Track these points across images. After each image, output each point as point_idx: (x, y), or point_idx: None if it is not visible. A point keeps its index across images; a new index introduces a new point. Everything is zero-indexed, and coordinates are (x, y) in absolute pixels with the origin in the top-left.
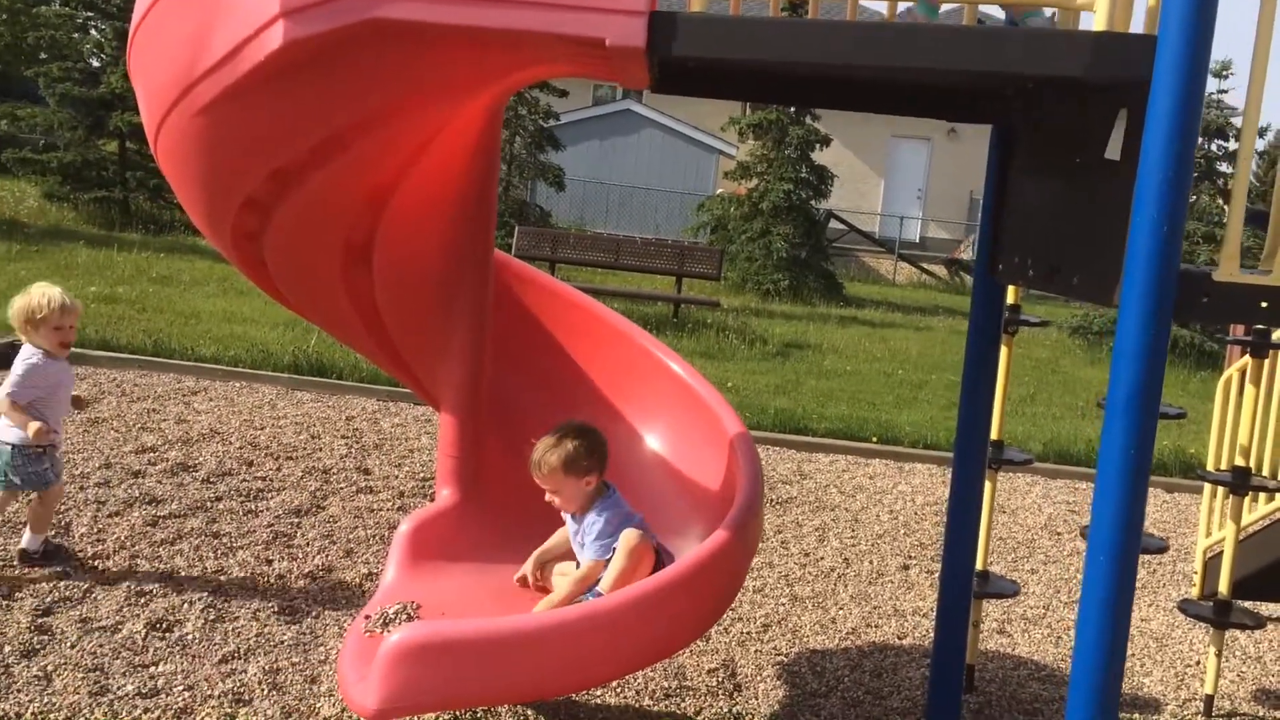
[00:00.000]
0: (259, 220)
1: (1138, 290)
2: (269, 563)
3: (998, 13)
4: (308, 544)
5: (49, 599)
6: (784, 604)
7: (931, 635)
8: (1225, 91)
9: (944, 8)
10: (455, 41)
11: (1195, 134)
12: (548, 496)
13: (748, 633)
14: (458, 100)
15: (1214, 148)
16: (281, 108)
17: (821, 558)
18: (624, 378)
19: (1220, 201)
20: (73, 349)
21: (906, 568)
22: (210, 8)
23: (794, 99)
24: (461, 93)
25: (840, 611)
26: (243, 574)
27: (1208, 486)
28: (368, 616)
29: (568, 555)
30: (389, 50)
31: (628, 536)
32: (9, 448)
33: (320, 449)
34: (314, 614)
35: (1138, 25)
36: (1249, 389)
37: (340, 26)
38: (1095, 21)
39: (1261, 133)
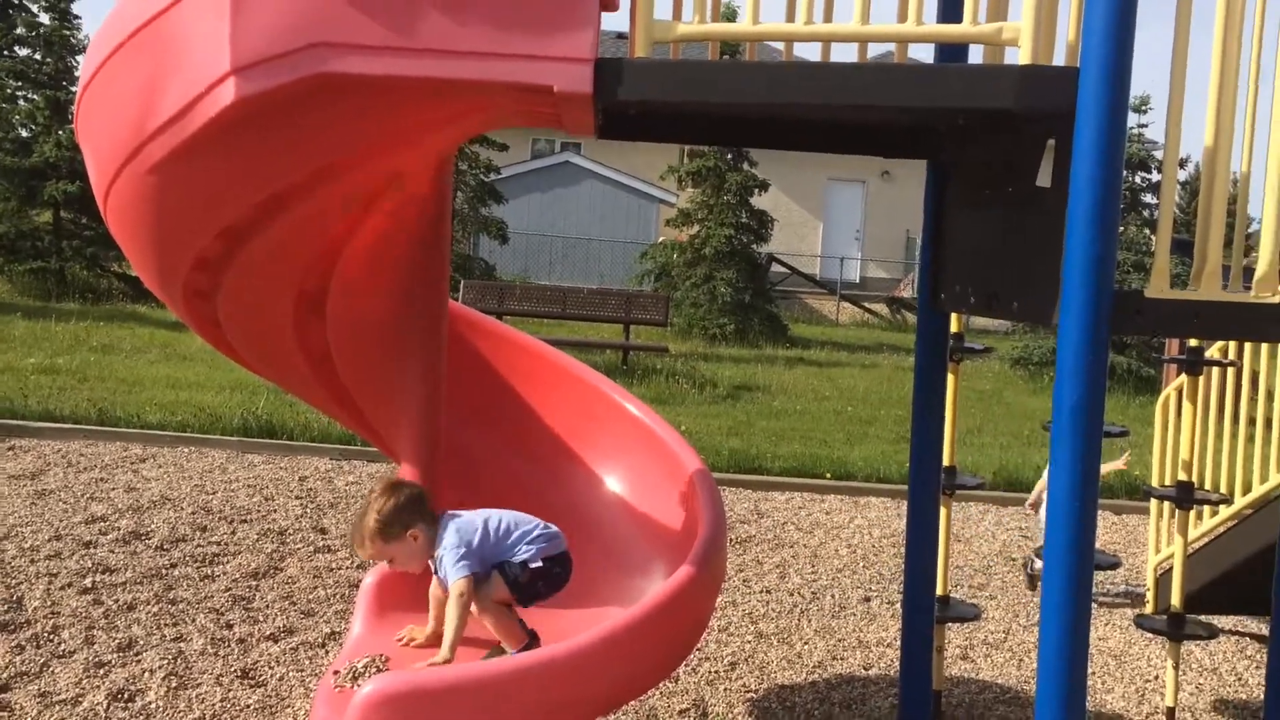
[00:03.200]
0: (211, 279)
1: (1076, 309)
2: (229, 627)
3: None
4: (267, 606)
5: (4, 674)
6: (750, 641)
7: (896, 665)
8: (1145, 126)
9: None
10: (405, 93)
11: (1121, 157)
12: (388, 567)
13: (716, 671)
14: (408, 150)
15: (1138, 179)
16: (233, 164)
17: (784, 594)
18: (580, 420)
19: (1147, 231)
20: (12, 420)
21: (868, 599)
22: (159, 66)
23: (735, 140)
24: (412, 143)
25: (805, 646)
26: (203, 640)
27: (1154, 503)
28: (336, 672)
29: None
30: (340, 103)
31: (451, 588)
32: None
33: (274, 510)
34: (278, 676)
35: (1059, 59)
36: (1187, 406)
37: (291, 81)
38: (1020, 56)
39: (1182, 164)
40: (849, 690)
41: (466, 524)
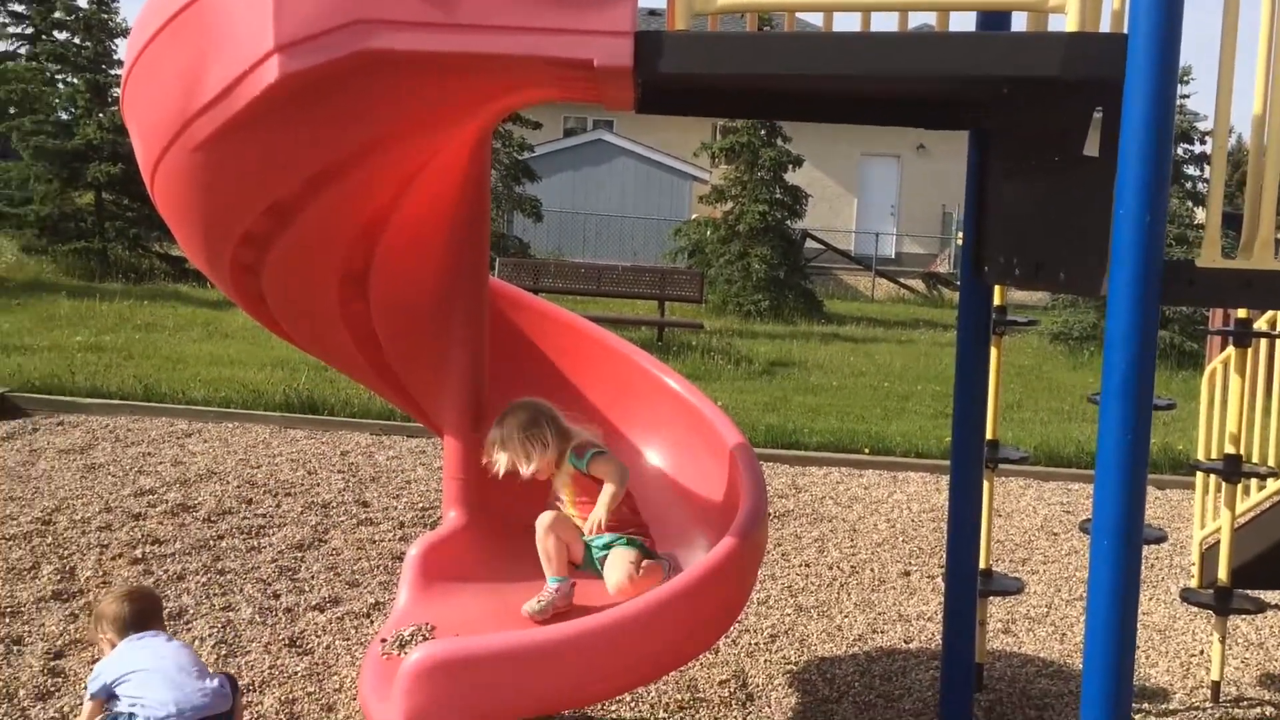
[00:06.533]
0: (257, 254)
1: (1126, 279)
2: (276, 596)
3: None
4: (312, 577)
5: (59, 642)
6: (790, 614)
7: (937, 639)
8: (1187, 97)
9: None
10: (446, 69)
11: (1170, 125)
12: (525, 472)
13: (756, 643)
14: (449, 126)
15: (1180, 151)
16: (277, 141)
17: (823, 568)
18: (620, 395)
19: (1190, 204)
20: (61, 396)
21: (908, 574)
22: (204, 45)
23: (774, 113)
24: (453, 119)
25: (845, 619)
26: (251, 609)
27: (1200, 477)
28: (384, 640)
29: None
30: (381, 80)
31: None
32: None
33: (318, 484)
34: (325, 645)
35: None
36: (1234, 379)
37: (334, 59)
38: (1067, 23)
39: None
40: (889, 663)
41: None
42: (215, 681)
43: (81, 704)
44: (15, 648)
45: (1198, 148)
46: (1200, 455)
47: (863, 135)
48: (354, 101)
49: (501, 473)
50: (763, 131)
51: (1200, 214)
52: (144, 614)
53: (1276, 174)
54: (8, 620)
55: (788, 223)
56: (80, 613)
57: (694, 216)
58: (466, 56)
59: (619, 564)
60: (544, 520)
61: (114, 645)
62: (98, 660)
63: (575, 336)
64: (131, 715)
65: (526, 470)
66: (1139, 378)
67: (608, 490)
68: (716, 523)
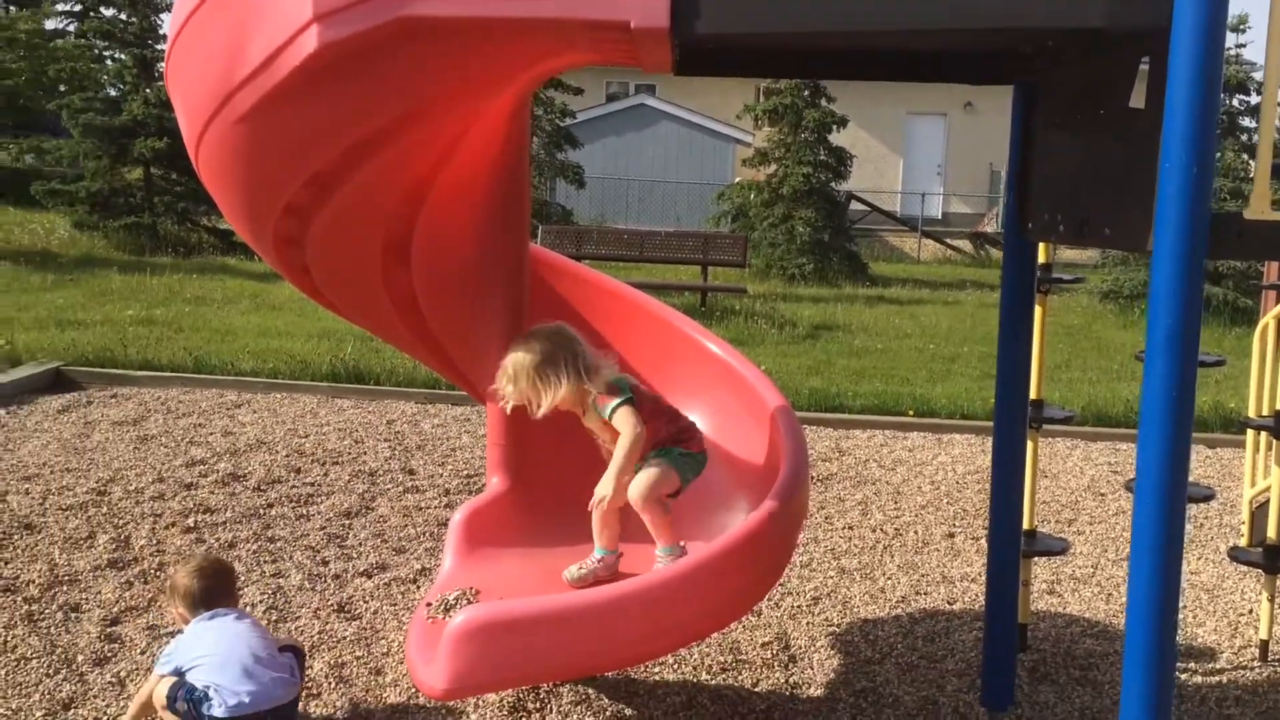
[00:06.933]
0: (300, 225)
1: (1171, 232)
2: (325, 563)
3: None
4: (360, 544)
5: (116, 609)
6: (832, 577)
7: (980, 600)
8: (1243, 46)
9: None
10: (483, 34)
11: (1219, 75)
12: (536, 414)
13: (799, 606)
14: (488, 92)
15: (1235, 102)
16: (319, 111)
17: (866, 530)
18: (662, 359)
19: (1245, 156)
20: (114, 369)
21: (952, 535)
22: (245, 16)
23: (816, 73)
24: (491, 85)
25: (888, 581)
26: (300, 576)
27: (1250, 434)
28: (429, 604)
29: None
30: (420, 47)
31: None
32: None
33: (364, 453)
34: (372, 610)
35: None
36: None
37: (372, 27)
38: None
39: None
40: (933, 624)
41: None
42: (285, 668)
43: (141, 671)
44: (74, 615)
45: (1253, 99)
46: (1251, 413)
47: (908, 94)
48: (393, 70)
49: (509, 409)
50: (806, 93)
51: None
52: (214, 590)
53: None
54: (66, 588)
55: (832, 185)
56: (135, 580)
57: (737, 180)
58: (504, 21)
59: (633, 482)
60: (602, 490)
61: (185, 620)
62: (165, 627)
63: (617, 302)
64: (206, 693)
65: (537, 413)
66: (1184, 333)
67: (617, 457)
68: (758, 486)
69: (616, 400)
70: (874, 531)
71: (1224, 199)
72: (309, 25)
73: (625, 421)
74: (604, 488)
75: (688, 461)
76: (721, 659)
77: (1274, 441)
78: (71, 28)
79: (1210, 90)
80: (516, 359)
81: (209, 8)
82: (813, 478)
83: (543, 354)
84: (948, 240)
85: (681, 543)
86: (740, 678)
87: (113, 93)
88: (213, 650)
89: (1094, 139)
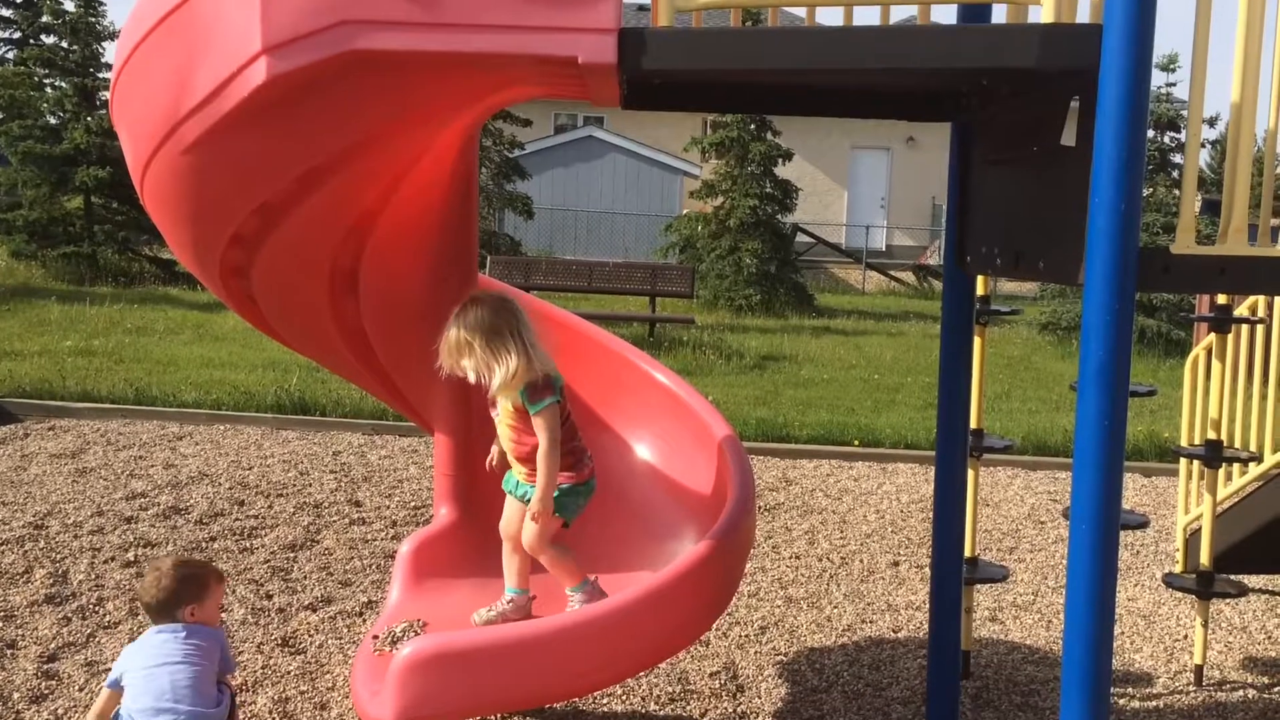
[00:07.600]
0: (246, 255)
1: (1101, 266)
2: (269, 597)
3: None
4: (305, 577)
5: (53, 645)
6: (779, 606)
7: (925, 628)
8: (1174, 85)
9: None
10: (432, 68)
11: (1144, 113)
12: (492, 390)
13: (746, 635)
14: (436, 125)
15: (1167, 139)
16: (266, 142)
17: (813, 560)
18: (610, 389)
19: (1176, 192)
20: (52, 401)
21: (897, 564)
22: (192, 47)
23: (760, 107)
24: (440, 118)
25: (835, 610)
26: (244, 610)
27: (1183, 463)
28: (376, 636)
29: None
30: (369, 80)
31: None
32: None
33: (310, 485)
34: (317, 644)
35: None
36: (1216, 365)
37: (322, 59)
38: (1043, 15)
39: (1212, 122)
40: (878, 652)
41: None
42: (211, 701)
43: (79, 708)
44: (9, 651)
45: (1184, 136)
46: (1183, 441)
47: (852, 129)
48: (342, 102)
49: (458, 375)
50: (752, 126)
51: None
52: (166, 605)
53: (1249, 162)
54: (1, 625)
55: (778, 217)
56: (74, 616)
57: (685, 212)
58: (453, 55)
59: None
60: (507, 530)
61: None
62: (103, 664)
63: (565, 332)
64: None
65: (493, 389)
66: (1115, 364)
67: (543, 471)
68: (704, 515)
69: (550, 398)
70: (820, 560)
71: (1157, 233)
72: (258, 57)
73: (547, 426)
74: (534, 506)
75: (569, 499)
76: (670, 689)
77: (1205, 470)
78: (11, 54)
79: (1137, 129)
80: (463, 327)
81: (156, 37)
82: (760, 507)
83: (491, 322)
84: (891, 272)
85: (592, 577)
86: (689, 707)
87: (53, 120)
88: (139, 673)
89: (1027, 175)
